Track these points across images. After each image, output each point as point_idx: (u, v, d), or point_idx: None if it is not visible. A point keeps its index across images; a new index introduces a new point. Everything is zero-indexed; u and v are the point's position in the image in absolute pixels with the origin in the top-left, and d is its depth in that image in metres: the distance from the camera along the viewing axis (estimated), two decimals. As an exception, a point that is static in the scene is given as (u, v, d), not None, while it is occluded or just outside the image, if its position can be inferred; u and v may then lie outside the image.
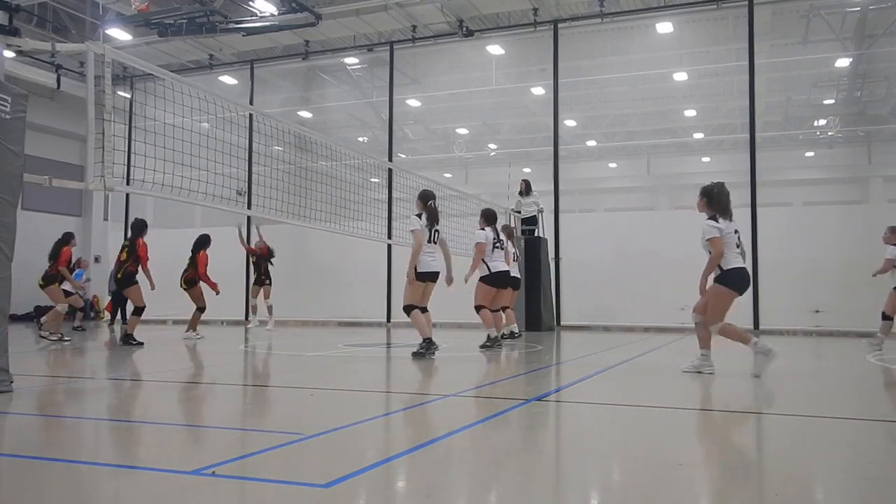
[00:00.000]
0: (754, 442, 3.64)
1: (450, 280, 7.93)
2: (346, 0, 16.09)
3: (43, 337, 10.62)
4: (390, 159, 17.18)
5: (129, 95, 19.78)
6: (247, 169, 13.95)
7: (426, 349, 7.47)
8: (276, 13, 15.22)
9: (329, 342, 11.07)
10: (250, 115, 13.07)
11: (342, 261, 17.00)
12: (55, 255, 11.04)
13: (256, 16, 15.52)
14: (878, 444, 3.52)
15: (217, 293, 11.04)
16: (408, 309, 7.54)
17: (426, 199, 7.69)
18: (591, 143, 25.75)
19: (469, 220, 12.32)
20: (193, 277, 10.98)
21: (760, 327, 13.80)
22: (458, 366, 7.73)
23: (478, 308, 9.02)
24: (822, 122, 22.03)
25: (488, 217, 9.20)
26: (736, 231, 6.51)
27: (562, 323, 14.96)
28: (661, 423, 4.16)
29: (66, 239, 11.46)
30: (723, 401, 5.11)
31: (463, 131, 24.24)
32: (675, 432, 3.82)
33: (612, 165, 29.94)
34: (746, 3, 14.45)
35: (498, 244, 9.06)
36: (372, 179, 16.86)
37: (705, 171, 28.39)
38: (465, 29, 16.50)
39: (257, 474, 2.81)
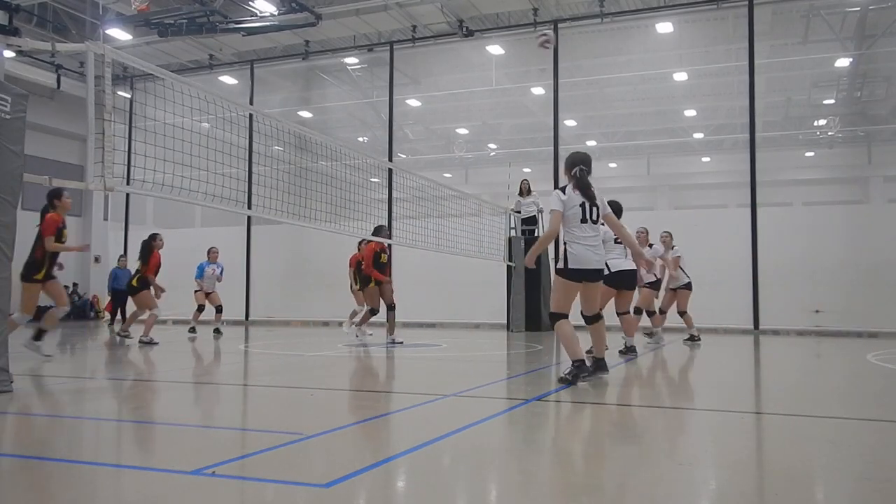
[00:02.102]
0: (754, 442, 3.64)
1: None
2: (346, 0, 16.09)
3: (123, 336, 10.27)
4: (390, 159, 17.19)
5: (129, 95, 19.79)
6: (247, 169, 13.96)
7: (573, 375, 5.42)
8: (276, 13, 15.22)
9: (329, 342, 11.07)
10: (250, 115, 13.06)
11: (342, 261, 16.99)
12: (145, 258, 10.26)
13: (256, 16, 15.53)
14: (879, 444, 3.51)
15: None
16: (553, 318, 5.61)
17: (573, 164, 5.65)
18: (591, 143, 25.72)
19: (469, 220, 12.34)
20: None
21: (760, 327, 13.82)
22: (458, 366, 7.74)
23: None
24: (822, 122, 22.01)
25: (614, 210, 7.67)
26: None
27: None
28: (659, 422, 4.16)
29: (151, 241, 10.63)
30: (722, 400, 5.11)
31: (463, 131, 24.24)
32: (674, 432, 3.82)
33: (612, 165, 29.93)
34: (746, 3, 14.45)
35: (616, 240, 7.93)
36: (372, 179, 16.85)
37: (705, 171, 28.47)
38: (465, 29, 16.50)
39: (257, 474, 2.81)
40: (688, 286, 10.15)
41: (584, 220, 5.49)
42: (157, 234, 10.76)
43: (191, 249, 14.64)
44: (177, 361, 8.33)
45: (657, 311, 10.04)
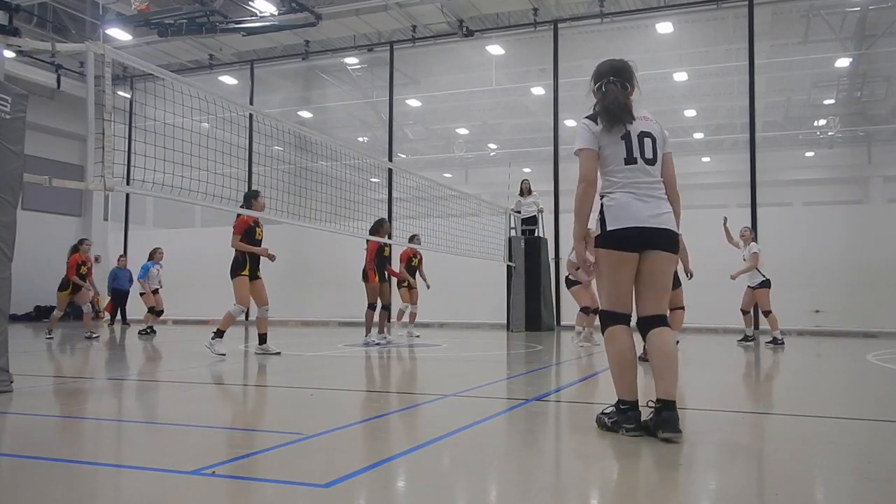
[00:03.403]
0: (754, 442, 3.64)
1: (687, 270, 4.02)
2: (346, 0, 16.09)
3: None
4: (390, 159, 17.19)
5: (129, 95, 19.80)
6: (247, 169, 13.96)
7: (613, 421, 3.60)
8: (276, 13, 15.23)
9: (329, 342, 11.07)
10: (250, 115, 13.06)
11: (342, 261, 16.99)
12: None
13: (256, 16, 15.53)
14: (879, 444, 3.51)
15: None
16: (603, 320, 3.64)
17: (599, 77, 3.66)
18: (591, 143, 25.72)
19: (469, 220, 12.34)
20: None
21: (761, 327, 13.79)
22: (458, 366, 7.74)
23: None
24: (822, 122, 22.01)
25: None
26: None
27: (562, 323, 14.96)
28: (661, 423, 4.15)
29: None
30: (722, 401, 5.11)
31: (463, 131, 24.24)
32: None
33: (612, 165, 29.90)
34: (746, 3, 14.46)
35: None
36: (372, 179, 16.85)
37: (705, 171, 28.44)
38: (465, 29, 16.50)
39: (257, 474, 2.81)
40: (764, 284, 10.20)
41: (630, 161, 3.49)
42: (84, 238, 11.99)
43: (191, 249, 14.66)
44: (176, 361, 8.32)
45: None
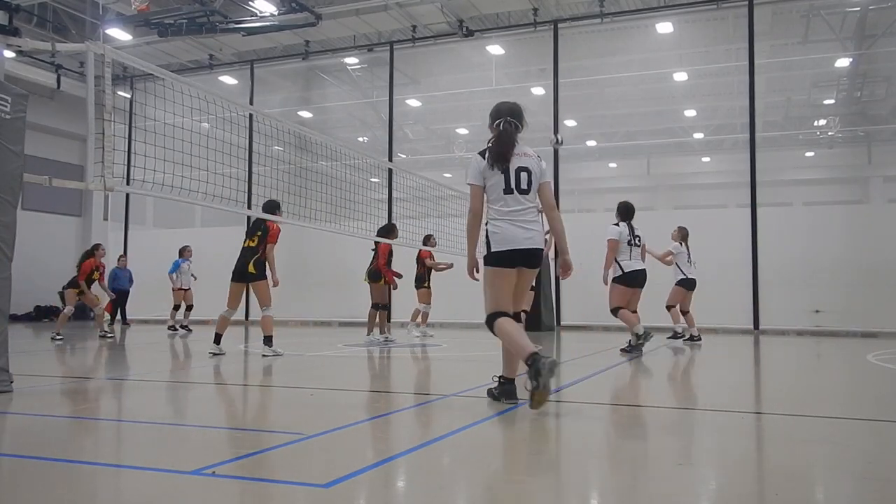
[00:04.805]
0: (754, 442, 3.64)
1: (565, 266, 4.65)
2: (346, 0, 16.09)
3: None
4: (390, 159, 17.19)
5: (129, 95, 19.79)
6: (247, 169, 13.96)
7: (500, 392, 4.58)
8: (276, 13, 15.23)
9: (329, 342, 11.08)
10: (250, 115, 13.06)
11: (342, 261, 17.00)
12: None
13: (256, 16, 15.53)
14: (878, 444, 3.52)
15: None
16: (489, 320, 4.40)
17: (497, 115, 4.53)
18: (591, 143, 25.73)
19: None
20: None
21: (760, 327, 13.82)
22: (458, 366, 7.74)
23: (614, 311, 8.43)
24: (822, 122, 22.01)
25: (623, 211, 8.41)
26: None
27: (562, 323, 14.96)
28: (659, 422, 4.16)
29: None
30: (722, 400, 5.11)
31: (463, 131, 24.22)
32: (673, 432, 3.82)
33: (612, 165, 29.94)
34: (746, 3, 14.46)
35: (634, 241, 8.35)
36: (372, 179, 16.85)
37: (705, 171, 28.46)
38: (465, 29, 16.50)
39: (257, 474, 2.81)
40: (682, 283, 10.20)
41: (508, 191, 4.30)
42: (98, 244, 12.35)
43: (191, 249, 14.65)
44: (176, 361, 8.32)
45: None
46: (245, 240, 8.18)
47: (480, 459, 3.12)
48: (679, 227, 10.51)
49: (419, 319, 12.05)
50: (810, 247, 13.75)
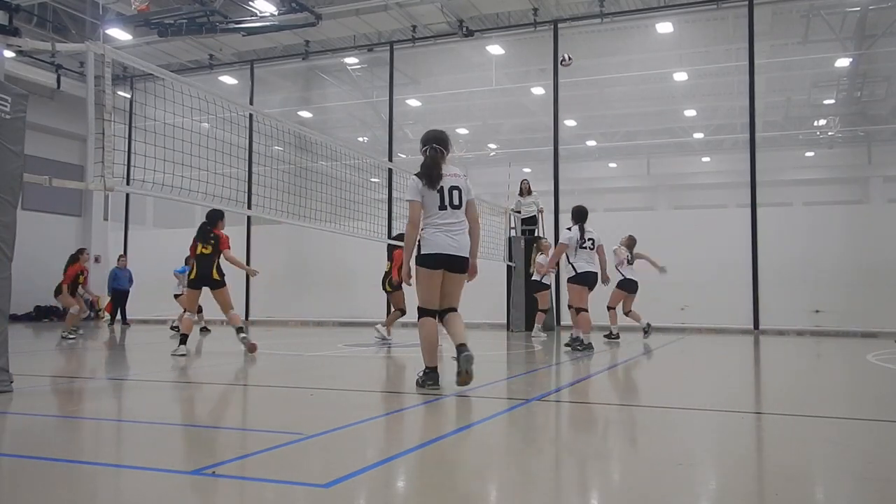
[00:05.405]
0: (754, 442, 3.64)
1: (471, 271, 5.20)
2: (346, 0, 16.09)
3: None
4: (390, 159, 17.19)
5: (129, 95, 19.79)
6: (247, 169, 13.96)
7: (423, 380, 5.15)
8: (276, 13, 15.23)
9: (329, 342, 11.08)
10: (250, 115, 13.06)
11: (342, 261, 17.01)
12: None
13: (256, 16, 15.53)
14: (878, 443, 3.51)
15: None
16: (419, 314, 5.13)
17: (424, 142, 5.18)
18: (591, 143, 25.74)
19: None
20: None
21: (760, 327, 13.82)
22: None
23: (577, 310, 8.62)
24: (822, 122, 22.03)
25: (576, 214, 8.73)
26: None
27: (561, 323, 14.95)
28: (660, 423, 4.16)
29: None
30: (723, 400, 5.11)
31: (463, 131, 24.23)
32: (674, 432, 3.82)
33: (612, 165, 29.94)
34: (746, 3, 14.46)
35: (584, 244, 8.58)
36: (372, 179, 16.85)
37: (705, 171, 28.45)
38: (465, 29, 16.50)
39: (257, 474, 2.81)
40: (621, 284, 10.56)
41: (442, 207, 4.98)
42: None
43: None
44: (176, 361, 8.32)
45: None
46: (199, 246, 8.27)
47: (480, 459, 3.12)
48: (629, 236, 11.05)
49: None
50: (810, 247, 13.75)
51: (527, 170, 24.20)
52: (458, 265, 5.03)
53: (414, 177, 5.07)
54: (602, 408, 4.75)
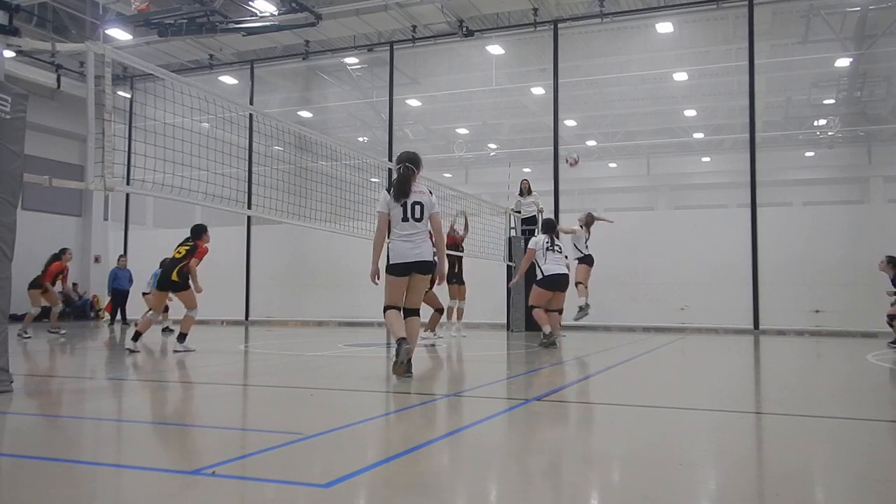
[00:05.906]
0: (754, 442, 3.64)
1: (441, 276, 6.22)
2: (346, 0, 16.09)
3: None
4: (390, 159, 17.17)
5: (129, 95, 19.79)
6: (247, 169, 13.96)
7: (397, 350, 5.70)
8: (276, 13, 15.23)
9: (329, 342, 11.08)
10: (250, 115, 13.06)
11: (342, 261, 17.00)
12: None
13: (256, 16, 15.53)
14: (878, 444, 3.51)
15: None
16: (384, 309, 5.94)
17: (398, 162, 6.07)
18: (591, 143, 25.76)
19: (469, 219, 12.30)
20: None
21: (760, 327, 13.82)
22: (459, 366, 7.74)
23: (531, 308, 9.35)
24: (822, 122, 22.04)
25: (544, 226, 9.66)
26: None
27: (562, 323, 14.94)
28: (660, 423, 4.16)
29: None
30: (723, 400, 5.11)
31: (463, 131, 24.26)
32: (675, 432, 3.82)
33: (612, 165, 29.97)
34: (746, 3, 14.45)
35: (553, 248, 9.20)
36: (372, 179, 16.84)
37: (705, 171, 28.47)
38: (465, 29, 16.50)
39: (257, 474, 2.81)
40: (582, 260, 10.88)
41: (405, 219, 5.80)
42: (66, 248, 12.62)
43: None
44: (176, 361, 8.32)
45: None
46: (176, 247, 8.77)
47: (480, 459, 3.12)
48: (588, 213, 11.37)
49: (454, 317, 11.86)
50: (810, 247, 13.75)
51: (527, 170, 24.23)
52: (422, 268, 5.81)
53: (384, 191, 5.96)
54: (601, 408, 4.75)
